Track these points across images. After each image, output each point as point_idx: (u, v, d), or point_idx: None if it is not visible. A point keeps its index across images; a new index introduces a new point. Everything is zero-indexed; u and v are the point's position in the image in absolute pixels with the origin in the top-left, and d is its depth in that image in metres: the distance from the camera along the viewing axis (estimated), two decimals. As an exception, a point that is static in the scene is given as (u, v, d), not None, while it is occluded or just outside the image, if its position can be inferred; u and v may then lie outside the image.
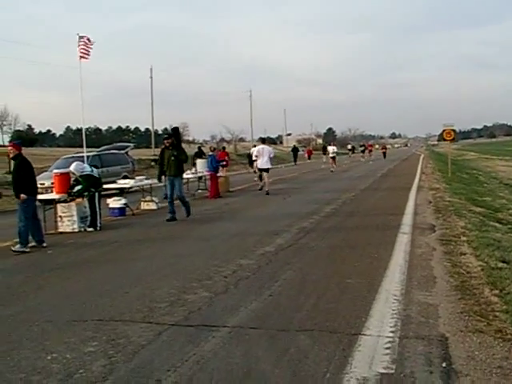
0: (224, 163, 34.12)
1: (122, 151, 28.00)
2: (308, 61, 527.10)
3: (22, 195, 11.04)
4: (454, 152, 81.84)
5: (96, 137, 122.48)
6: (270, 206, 17.66)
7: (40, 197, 12.97)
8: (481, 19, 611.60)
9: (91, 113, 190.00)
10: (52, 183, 14.92)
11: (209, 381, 4.39)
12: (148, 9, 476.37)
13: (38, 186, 12.34)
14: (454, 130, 31.76)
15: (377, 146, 74.18)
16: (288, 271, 8.13)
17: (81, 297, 7.15)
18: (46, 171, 24.54)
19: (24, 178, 11.15)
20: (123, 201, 16.30)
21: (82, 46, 20.79)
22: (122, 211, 16.12)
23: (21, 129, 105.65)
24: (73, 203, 13.60)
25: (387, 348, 4.91)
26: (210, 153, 23.97)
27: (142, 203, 18.03)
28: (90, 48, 20.97)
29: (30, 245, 11.09)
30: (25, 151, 11.99)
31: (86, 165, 14.82)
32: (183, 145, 16.88)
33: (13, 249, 10.87)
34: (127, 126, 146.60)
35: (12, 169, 12.33)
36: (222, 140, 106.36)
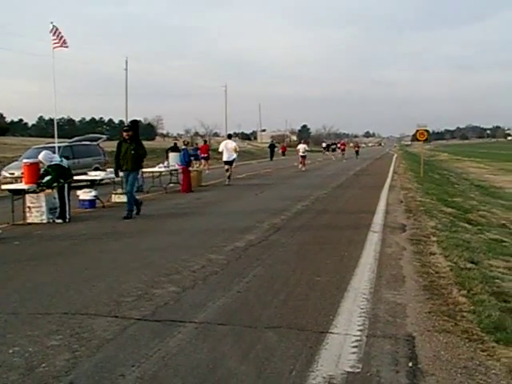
0: (205, 156, 34.15)
1: (94, 143, 27.71)
2: (285, 56, 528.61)
3: None
4: (427, 152, 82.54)
5: (69, 127, 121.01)
6: (241, 202, 17.63)
7: (9, 187, 12.78)
8: (460, 20, 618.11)
9: (65, 103, 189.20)
10: (22, 173, 14.68)
11: (174, 377, 4.34)
12: (125, 0, 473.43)
13: (8, 175, 12.15)
14: (427, 131, 32.00)
15: (351, 145, 73.89)
16: (257, 267, 8.09)
17: (47, 289, 7.04)
18: (16, 161, 24.20)
19: None
20: (93, 193, 16.13)
21: (54, 37, 20.54)
22: (92, 203, 15.94)
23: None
24: (42, 194, 13.41)
25: (354, 347, 4.90)
26: (183, 147, 23.86)
27: (113, 196, 17.86)
28: (62, 37, 20.72)
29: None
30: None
31: (55, 155, 14.62)
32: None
33: None
34: (101, 118, 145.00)
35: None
36: (196, 134, 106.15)
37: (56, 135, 22.04)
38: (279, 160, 58.92)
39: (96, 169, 23.64)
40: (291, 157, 62.22)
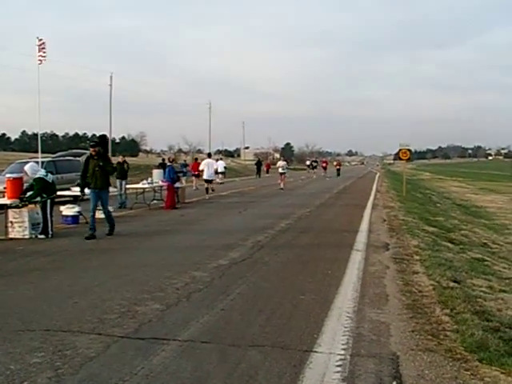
0: (196, 173, 34.23)
1: (78, 158, 27.60)
2: (269, 75, 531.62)
3: None
4: (409, 171, 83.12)
5: (52, 142, 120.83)
6: (225, 219, 17.60)
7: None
8: (440, 41, 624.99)
9: (48, 118, 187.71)
10: (4, 188, 14.57)
11: (157, 395, 4.31)
12: (111, 15, 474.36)
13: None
14: (409, 150, 32.19)
15: (334, 163, 74.00)
16: (241, 285, 8.08)
17: (29, 305, 6.98)
18: (-2, 175, 24.02)
19: None
20: (77, 208, 16.02)
21: (40, 52, 20.57)
22: (75, 219, 15.84)
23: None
24: (25, 209, 13.32)
25: (338, 365, 4.90)
26: (168, 163, 23.80)
27: (97, 212, 17.73)
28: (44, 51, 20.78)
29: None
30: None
31: (41, 169, 14.47)
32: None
33: None
34: (84, 133, 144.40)
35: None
36: (180, 151, 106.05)
37: (39, 150, 21.90)
38: (263, 178, 58.96)
39: (79, 184, 23.49)
40: (275, 174, 62.17)
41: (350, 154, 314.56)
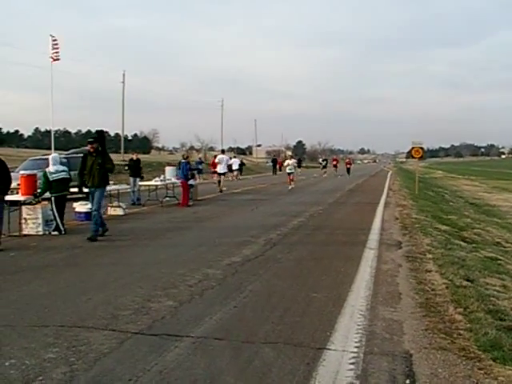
0: (215, 170, 34.89)
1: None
2: (282, 73, 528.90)
3: None
4: (422, 170, 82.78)
5: (65, 139, 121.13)
6: (238, 217, 17.63)
7: (5, 197, 12.71)
8: (452, 40, 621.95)
9: (61, 115, 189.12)
10: (18, 184, 14.64)
11: (171, 391, 4.33)
12: (124, 14, 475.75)
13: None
14: (422, 148, 32.06)
15: (346, 161, 73.76)
16: (254, 282, 8.10)
17: (43, 301, 7.02)
18: (12, 172, 24.13)
19: None
20: (90, 205, 16.07)
21: (53, 50, 20.64)
22: (88, 216, 15.85)
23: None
24: (38, 206, 13.40)
25: (351, 363, 4.90)
26: (183, 160, 23.72)
27: (109, 208, 17.84)
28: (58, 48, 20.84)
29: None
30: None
31: (59, 165, 14.29)
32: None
33: None
34: (97, 130, 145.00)
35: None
36: (192, 148, 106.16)
37: (53, 147, 22.01)
38: (279, 175, 58.89)
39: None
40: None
41: (362, 151, 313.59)
